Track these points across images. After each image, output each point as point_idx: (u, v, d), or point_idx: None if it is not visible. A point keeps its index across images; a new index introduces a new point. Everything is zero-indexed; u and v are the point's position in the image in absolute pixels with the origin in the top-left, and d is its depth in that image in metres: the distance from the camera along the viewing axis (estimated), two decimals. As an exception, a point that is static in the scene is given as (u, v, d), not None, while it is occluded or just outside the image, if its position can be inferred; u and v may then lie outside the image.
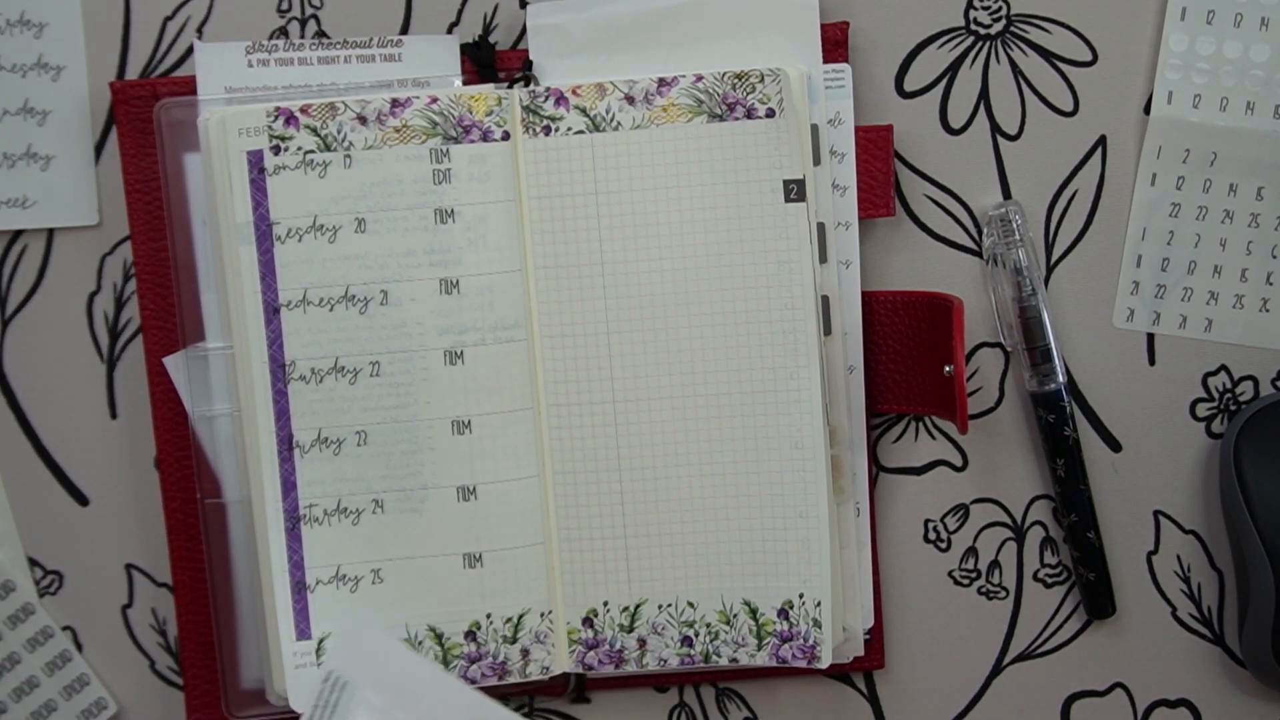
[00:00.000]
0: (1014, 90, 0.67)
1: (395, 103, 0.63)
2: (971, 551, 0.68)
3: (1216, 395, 0.68)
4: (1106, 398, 0.68)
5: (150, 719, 0.68)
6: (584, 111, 0.63)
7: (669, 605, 0.65)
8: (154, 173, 0.65)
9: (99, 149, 0.66)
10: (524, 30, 0.66)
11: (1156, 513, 0.68)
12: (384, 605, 0.64)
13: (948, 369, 0.62)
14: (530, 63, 0.65)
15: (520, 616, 0.64)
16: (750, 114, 0.63)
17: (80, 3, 0.66)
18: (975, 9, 0.67)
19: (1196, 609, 0.69)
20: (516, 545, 0.64)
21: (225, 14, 0.66)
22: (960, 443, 0.68)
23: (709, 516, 0.64)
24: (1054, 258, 0.68)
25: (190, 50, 0.66)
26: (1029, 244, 0.67)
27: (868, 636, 0.67)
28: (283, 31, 0.66)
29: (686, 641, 0.65)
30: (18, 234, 0.66)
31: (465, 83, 0.65)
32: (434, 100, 0.63)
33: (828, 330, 0.65)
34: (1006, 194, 0.67)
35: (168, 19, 0.66)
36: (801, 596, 0.64)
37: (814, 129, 0.64)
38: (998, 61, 0.67)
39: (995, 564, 0.68)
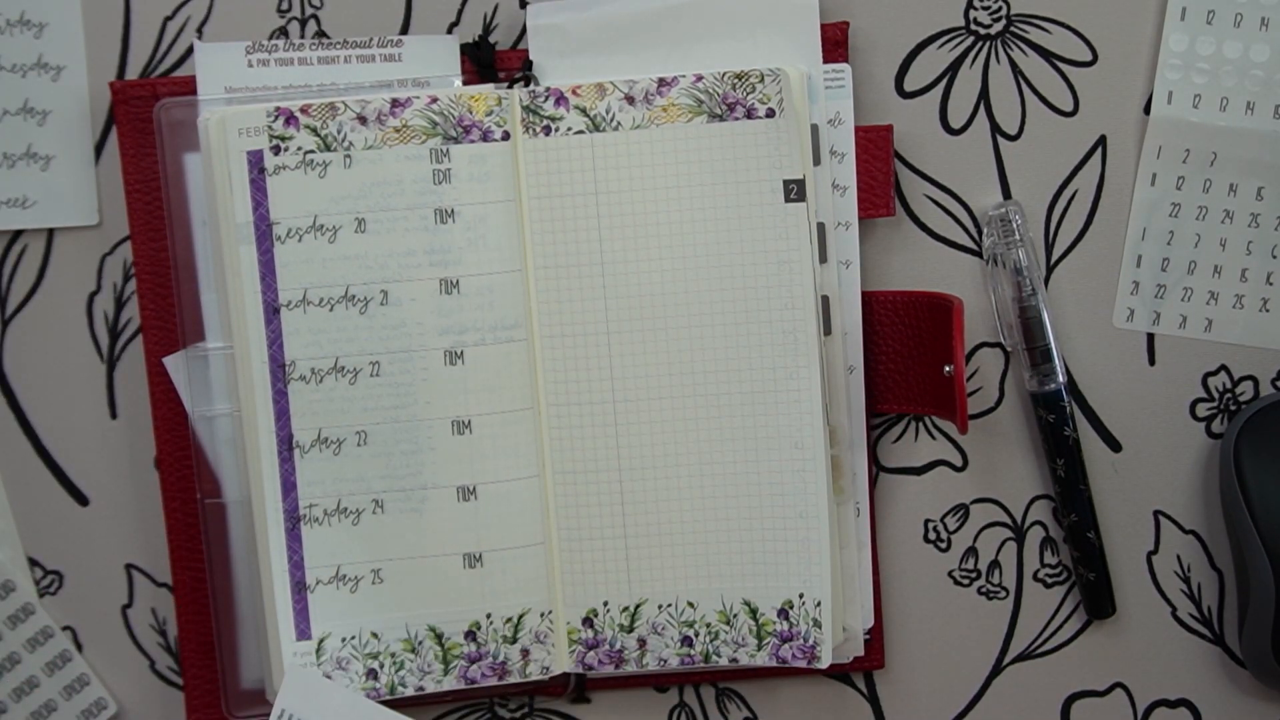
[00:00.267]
0: (1014, 90, 0.67)
1: (395, 103, 0.63)
2: (971, 551, 0.68)
3: (1216, 395, 0.68)
4: (1106, 398, 0.68)
5: (150, 719, 0.68)
6: (584, 111, 0.63)
7: (669, 605, 0.65)
8: (154, 173, 0.65)
9: (99, 149, 0.66)
10: (524, 30, 0.66)
11: (1156, 513, 0.68)
12: (384, 605, 0.64)
13: (948, 369, 0.62)
14: (530, 63, 0.65)
15: (520, 616, 0.64)
16: (750, 114, 0.63)
17: (80, 3, 0.66)
18: (975, 9, 0.67)
19: (1196, 609, 0.69)
20: (516, 545, 0.64)
21: (225, 14, 0.66)
22: (960, 443, 0.68)
23: (709, 516, 0.64)
24: (1054, 258, 0.68)
25: (190, 50, 0.66)
26: (1029, 244, 0.67)
27: (868, 636, 0.67)
28: (283, 31, 0.66)
29: (686, 641, 0.65)
30: (18, 234, 0.66)
31: (465, 83, 0.65)
32: (434, 100, 0.63)
33: (828, 330, 0.65)
34: (1006, 194, 0.67)
35: (168, 19, 0.66)
36: (801, 596, 0.64)
37: (814, 129, 0.64)
38: (998, 61, 0.67)
39: (995, 564, 0.68)
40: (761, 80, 0.63)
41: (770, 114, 0.63)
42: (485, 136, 0.63)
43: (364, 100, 0.63)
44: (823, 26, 0.65)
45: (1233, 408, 0.68)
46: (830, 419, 0.64)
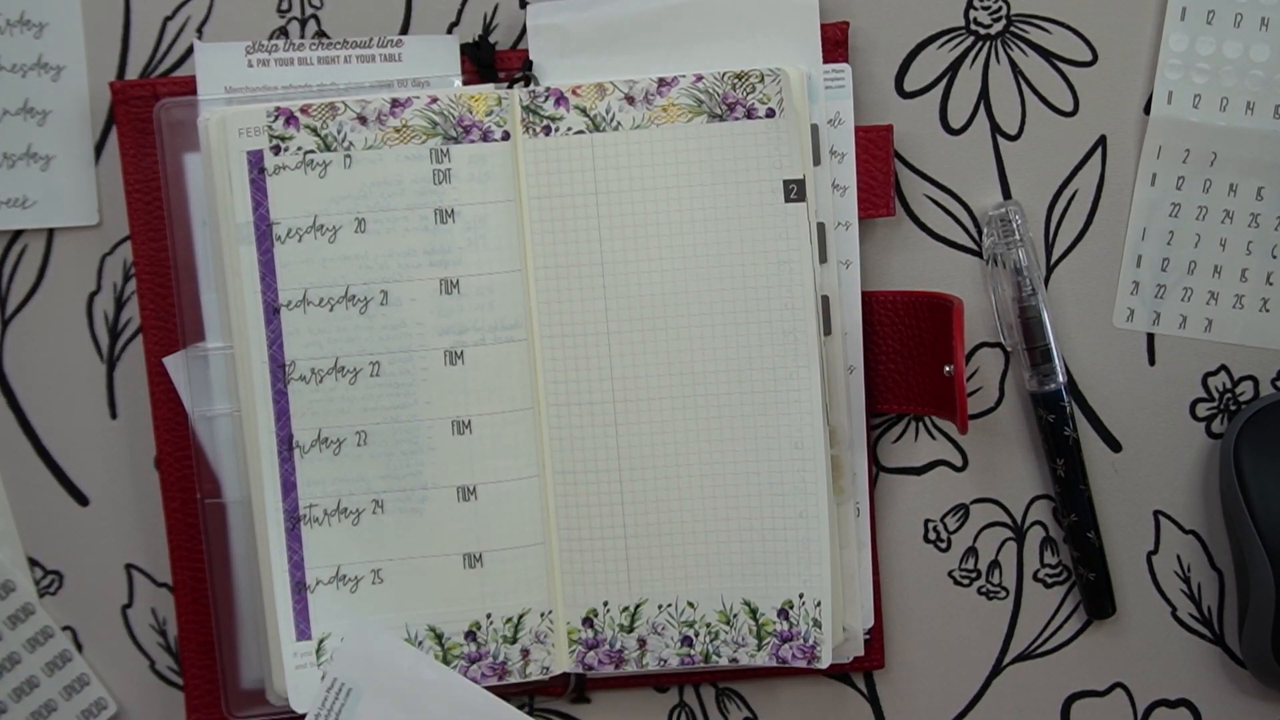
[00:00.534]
0: (1014, 90, 0.67)
1: (395, 103, 0.63)
2: (971, 551, 0.68)
3: (1216, 395, 0.68)
4: (1106, 398, 0.68)
5: (150, 719, 0.68)
6: (584, 111, 0.63)
7: (669, 605, 0.65)
8: (154, 173, 0.65)
9: (99, 149, 0.66)
10: (524, 30, 0.66)
11: (1156, 513, 0.68)
12: (384, 605, 0.64)
13: (948, 369, 0.62)
14: (530, 63, 0.65)
15: (520, 616, 0.64)
16: (750, 114, 0.63)
17: (80, 3, 0.66)
18: (975, 9, 0.67)
19: (1196, 609, 0.69)
20: (516, 545, 0.64)
21: (225, 14, 0.66)
22: (960, 443, 0.68)
23: (709, 516, 0.64)
24: (1054, 258, 0.68)
25: (190, 50, 0.66)
26: (1029, 244, 0.67)
27: (868, 636, 0.67)
28: (283, 31, 0.66)
29: (686, 641, 0.64)
30: (18, 234, 0.66)
31: (465, 83, 0.65)
32: (434, 100, 0.63)
33: (828, 330, 0.65)
34: (1006, 194, 0.67)
35: (168, 19, 0.66)
36: (801, 596, 0.64)
37: (814, 129, 0.64)
38: (998, 61, 0.67)
39: (995, 564, 0.68)
40: (761, 80, 0.63)
41: (770, 114, 0.63)
42: (485, 136, 0.63)
43: (364, 100, 0.63)
44: (823, 26, 0.65)
45: (1233, 408, 0.68)
46: (830, 419, 0.64)
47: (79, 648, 0.67)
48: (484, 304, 0.63)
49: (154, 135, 0.65)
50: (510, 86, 0.64)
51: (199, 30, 0.66)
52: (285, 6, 0.66)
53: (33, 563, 0.67)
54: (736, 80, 0.63)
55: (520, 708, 0.68)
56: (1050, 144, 0.67)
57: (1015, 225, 0.66)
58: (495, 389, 0.64)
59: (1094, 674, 0.69)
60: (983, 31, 0.67)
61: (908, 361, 0.65)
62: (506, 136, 0.64)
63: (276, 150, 0.63)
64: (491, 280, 0.64)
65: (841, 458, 0.65)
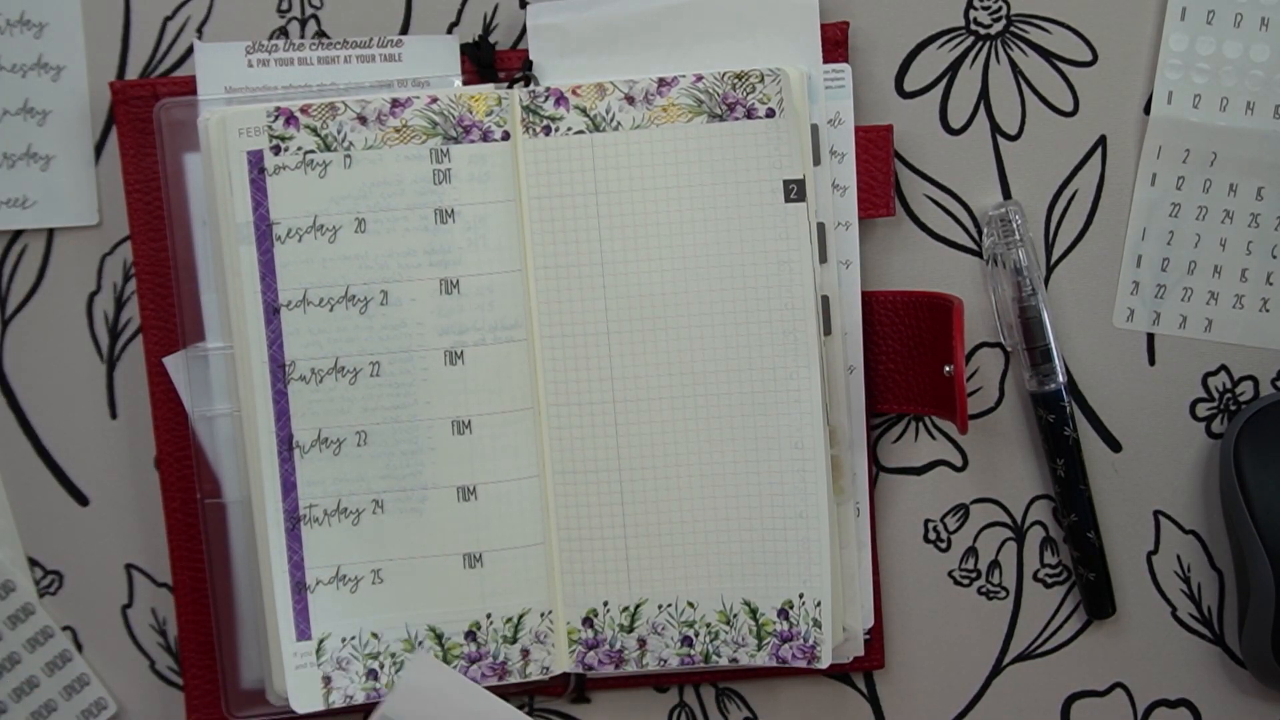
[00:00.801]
0: (1014, 90, 0.67)
1: (395, 103, 0.63)
2: (971, 551, 0.68)
3: (1216, 395, 0.68)
4: (1106, 398, 0.68)
5: (150, 719, 0.68)
6: (584, 111, 0.63)
7: (669, 605, 0.65)
8: (154, 173, 0.65)
9: (99, 149, 0.66)
10: (524, 30, 0.66)
11: (1156, 513, 0.68)
12: (384, 605, 0.64)
13: (948, 369, 0.62)
14: (530, 63, 0.65)
15: (520, 616, 0.64)
16: (750, 114, 0.63)
17: (80, 3, 0.66)
18: (975, 9, 0.67)
19: (1196, 609, 0.69)
20: (516, 545, 0.64)
21: (225, 14, 0.66)
22: (960, 443, 0.68)
23: (709, 516, 0.64)
24: (1054, 258, 0.68)
25: (190, 50, 0.66)
26: (1029, 244, 0.67)
27: (868, 636, 0.67)
28: (283, 31, 0.66)
29: (686, 641, 0.64)
30: (18, 234, 0.66)
31: (465, 83, 0.65)
32: (434, 100, 0.63)
33: (828, 330, 0.65)
34: (1006, 194, 0.67)
35: (168, 19, 0.66)
36: (801, 596, 0.64)
37: (814, 129, 0.64)
38: (998, 61, 0.67)
39: (995, 564, 0.68)
40: (761, 80, 0.63)
41: (770, 114, 0.63)
42: (485, 136, 0.63)
43: (364, 100, 0.63)
44: (823, 26, 0.65)
45: (1233, 408, 0.68)
46: (830, 419, 0.64)
47: (79, 648, 0.67)
48: (484, 304, 0.63)
49: (154, 135, 0.65)
50: (510, 86, 0.64)
51: (199, 30, 0.66)
52: (285, 6, 0.66)
53: (33, 563, 0.67)
54: (736, 80, 0.63)
55: (520, 708, 0.68)
56: (1050, 144, 0.67)
57: (1015, 225, 0.66)
58: (495, 389, 0.64)
59: (1094, 674, 0.69)
60: (983, 31, 0.67)
61: (908, 361, 0.65)
62: (506, 136, 0.64)
63: (276, 150, 0.63)
64: (491, 280, 0.64)
65: (841, 458, 0.65)
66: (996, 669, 0.69)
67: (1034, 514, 0.68)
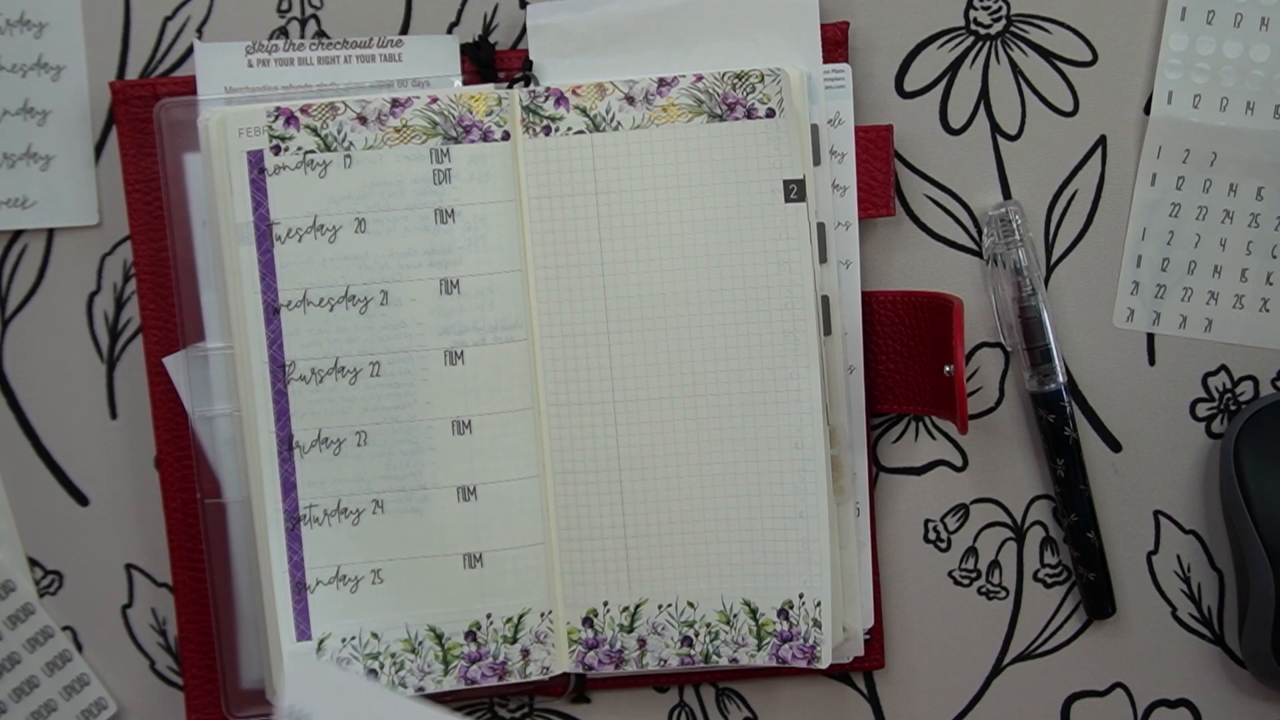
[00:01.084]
0: (1014, 90, 0.67)
1: (395, 103, 0.63)
2: (971, 551, 0.68)
3: (1216, 395, 0.68)
4: (1106, 398, 0.68)
5: (150, 719, 0.68)
6: (584, 111, 0.63)
7: (669, 605, 0.65)
8: (154, 173, 0.65)
9: (99, 149, 0.66)
10: (524, 30, 0.66)
11: (1156, 513, 0.68)
12: (384, 605, 0.64)
13: (948, 369, 0.62)
14: (530, 63, 0.65)
15: (520, 616, 0.64)
16: (750, 114, 0.63)
17: (80, 3, 0.66)
18: (975, 9, 0.67)
19: (1196, 609, 0.69)
20: (516, 545, 0.64)
21: (225, 14, 0.66)
22: (960, 443, 0.68)
23: (709, 516, 0.64)
24: (1054, 258, 0.68)
25: (190, 50, 0.66)
26: (1029, 244, 0.67)
27: (868, 636, 0.67)
28: (283, 31, 0.66)
29: (686, 641, 0.65)
30: (18, 234, 0.66)
31: (465, 83, 0.65)
32: (434, 100, 0.63)
33: (828, 330, 0.65)
34: (1006, 194, 0.67)
35: (168, 19, 0.66)
36: (801, 596, 0.64)
37: (814, 129, 0.64)
38: (998, 61, 0.67)
39: (995, 564, 0.68)
40: (761, 80, 0.63)
41: (770, 114, 0.63)
42: (485, 136, 0.63)
43: (364, 100, 0.63)
44: (823, 26, 0.65)
45: (1233, 408, 0.68)
46: (830, 419, 0.64)
47: (79, 648, 0.67)
48: (484, 304, 0.63)
49: (154, 135, 0.65)
50: (510, 86, 0.64)
51: (199, 30, 0.66)
52: (285, 6, 0.66)
53: (33, 563, 0.67)
54: (736, 80, 0.63)
55: (520, 708, 0.68)
56: (1050, 144, 0.67)
57: (1015, 225, 0.66)
58: (495, 389, 0.64)
59: (1094, 674, 0.69)
60: (983, 31, 0.67)
61: (908, 361, 0.65)
62: (506, 136, 0.64)
63: (276, 150, 0.63)
64: (491, 280, 0.64)
65: (841, 458, 0.65)
66: (996, 669, 0.69)
67: (1034, 514, 0.68)
